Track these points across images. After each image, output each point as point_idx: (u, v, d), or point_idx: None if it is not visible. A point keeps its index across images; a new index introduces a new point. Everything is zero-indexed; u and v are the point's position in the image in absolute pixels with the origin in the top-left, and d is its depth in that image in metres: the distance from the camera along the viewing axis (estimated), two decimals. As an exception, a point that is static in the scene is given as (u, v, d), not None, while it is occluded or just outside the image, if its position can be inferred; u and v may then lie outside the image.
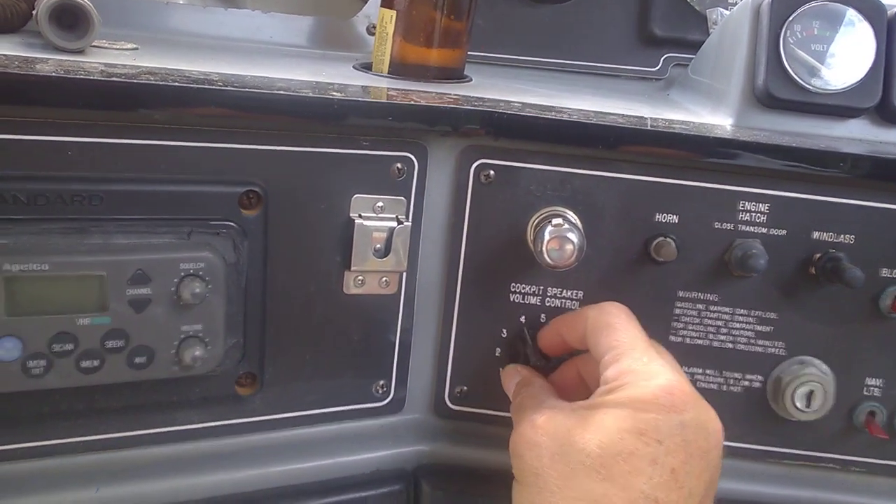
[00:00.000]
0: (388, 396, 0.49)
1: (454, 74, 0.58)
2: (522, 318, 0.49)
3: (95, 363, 0.38)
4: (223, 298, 0.41)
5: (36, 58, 0.41)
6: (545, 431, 0.39)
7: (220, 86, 0.40)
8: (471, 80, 0.58)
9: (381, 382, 0.48)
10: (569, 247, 0.44)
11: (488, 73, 0.63)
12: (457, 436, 0.50)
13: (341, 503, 0.45)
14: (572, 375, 0.48)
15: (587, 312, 0.44)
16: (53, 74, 0.37)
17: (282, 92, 0.41)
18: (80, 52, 0.46)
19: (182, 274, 0.39)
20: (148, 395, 0.41)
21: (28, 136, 0.37)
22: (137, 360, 0.39)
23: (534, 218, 0.48)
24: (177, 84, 0.39)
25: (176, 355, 0.40)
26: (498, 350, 0.49)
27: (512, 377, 0.48)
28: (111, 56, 0.47)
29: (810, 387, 0.48)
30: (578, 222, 0.46)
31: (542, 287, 0.49)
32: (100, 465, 0.42)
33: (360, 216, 0.45)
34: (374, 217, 0.46)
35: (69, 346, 0.37)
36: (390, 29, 0.56)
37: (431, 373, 0.50)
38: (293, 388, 0.46)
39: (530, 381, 0.46)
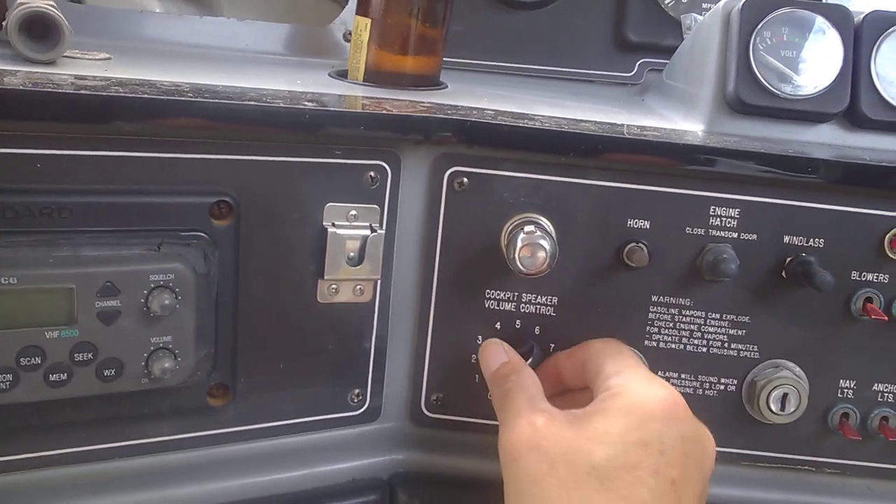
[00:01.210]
0: (363, 405, 0.49)
1: (429, 81, 0.58)
2: (497, 325, 0.49)
3: (63, 377, 0.38)
4: (193, 309, 0.41)
5: (5, 70, 0.41)
6: (546, 435, 0.38)
7: (190, 97, 0.40)
8: (446, 86, 0.59)
9: (357, 391, 0.48)
10: (541, 254, 0.44)
11: (464, 80, 0.64)
12: (433, 444, 0.50)
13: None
14: (551, 370, 0.47)
15: (590, 343, 0.45)
16: (21, 87, 0.37)
17: (252, 103, 0.41)
18: (51, 63, 0.46)
19: (152, 286, 0.39)
20: (118, 408, 0.41)
21: (-5, 149, 0.37)
22: (106, 372, 0.39)
23: (507, 224, 0.48)
24: (146, 96, 0.39)
25: (145, 367, 0.39)
26: (474, 357, 0.49)
27: (495, 355, 0.46)
28: (83, 67, 0.46)
29: (784, 389, 0.49)
30: (552, 229, 0.47)
31: (516, 293, 0.49)
32: (70, 479, 0.41)
33: (333, 224, 0.45)
34: (348, 225, 0.46)
35: (37, 360, 0.37)
36: (365, 36, 0.56)
37: (407, 380, 0.50)
38: (267, 399, 0.46)
39: (519, 368, 0.44)
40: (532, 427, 0.39)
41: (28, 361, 0.37)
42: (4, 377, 0.37)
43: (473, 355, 0.50)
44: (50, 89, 0.37)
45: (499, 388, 0.44)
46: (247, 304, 0.44)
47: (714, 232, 0.48)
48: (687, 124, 0.53)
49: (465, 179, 0.48)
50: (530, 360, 0.48)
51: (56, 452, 0.41)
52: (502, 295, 0.49)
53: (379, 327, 0.48)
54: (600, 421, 0.38)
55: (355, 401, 0.48)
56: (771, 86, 0.50)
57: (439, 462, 0.49)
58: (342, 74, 0.59)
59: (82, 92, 0.38)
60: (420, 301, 0.49)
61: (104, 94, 0.38)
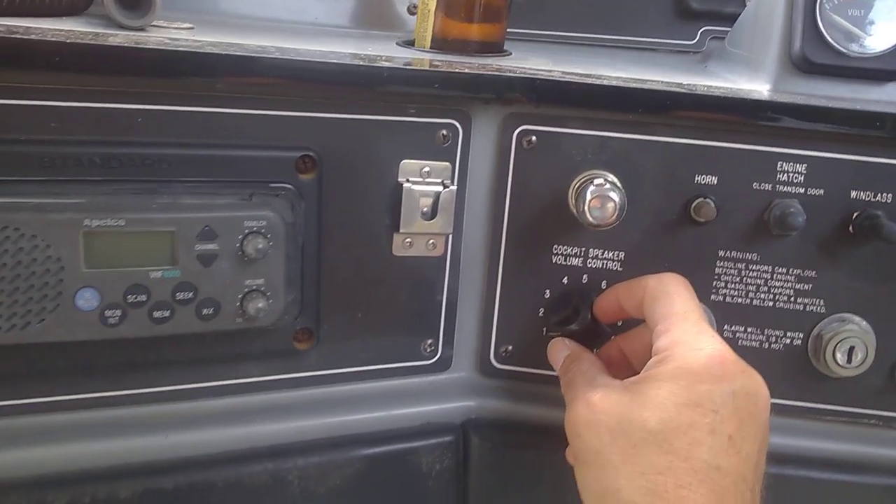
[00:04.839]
0: (435, 355, 0.51)
1: (494, 49, 0.60)
2: (565, 279, 0.51)
3: (166, 314, 0.41)
4: (283, 256, 0.43)
5: (105, 33, 0.44)
6: (602, 409, 0.40)
7: (277, 55, 0.42)
8: (510, 54, 0.60)
9: (429, 341, 0.50)
10: (610, 205, 0.45)
11: (526, 49, 0.65)
12: (502, 393, 0.52)
13: (394, 452, 0.47)
14: (616, 354, 0.49)
15: (647, 280, 0.45)
16: (126, 45, 0.40)
17: (335, 61, 0.43)
18: (141, 29, 0.49)
19: (246, 231, 0.41)
20: (213, 348, 0.44)
21: (102, 105, 0.40)
22: (205, 311, 0.41)
23: (575, 181, 0.49)
24: (238, 54, 0.41)
25: (240, 308, 0.42)
26: (541, 310, 0.51)
27: (559, 350, 0.49)
28: (171, 33, 0.49)
29: (851, 343, 0.49)
30: (619, 183, 0.48)
31: (583, 248, 0.50)
32: (168, 415, 0.44)
33: (407, 180, 0.47)
34: (421, 181, 0.48)
35: (142, 298, 0.40)
36: (432, 5, 0.58)
37: (477, 333, 0.52)
38: (347, 345, 0.48)
39: (580, 356, 0.47)
40: (588, 404, 0.41)
41: (134, 299, 0.40)
42: (114, 313, 0.40)
43: (541, 309, 0.51)
44: (151, 47, 0.40)
45: (564, 378, 0.46)
46: (329, 254, 0.46)
47: (781, 187, 0.49)
48: (752, 85, 0.54)
49: (534, 138, 0.49)
50: (578, 319, 0.49)
51: (155, 390, 0.44)
52: (569, 250, 0.51)
53: (450, 281, 0.50)
54: (650, 388, 0.40)
55: (428, 351, 0.50)
56: (838, 45, 0.51)
57: (509, 409, 0.51)
58: (409, 44, 0.61)
59: (181, 49, 0.40)
60: (489, 256, 0.51)
61: (200, 51, 0.41)
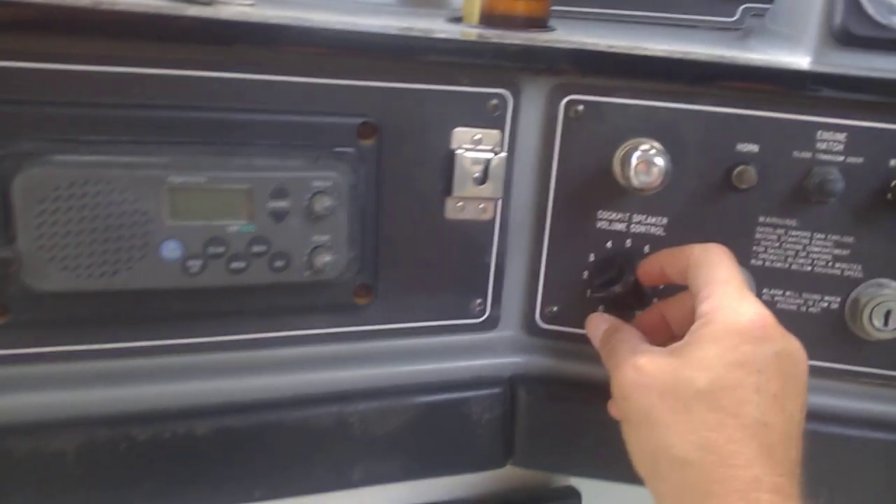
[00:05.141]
0: (484, 314, 0.53)
1: (539, 24, 0.62)
2: (609, 244, 0.53)
3: (242, 265, 0.44)
4: (346, 215, 0.46)
5: (177, 5, 0.47)
6: (649, 372, 0.42)
7: (341, 27, 0.45)
8: (555, 29, 0.62)
9: (479, 301, 0.53)
10: (655, 169, 0.47)
11: (569, 26, 0.67)
12: (547, 351, 0.54)
13: (446, 401, 0.50)
14: (657, 320, 0.51)
15: (692, 249, 0.47)
16: (204, 16, 0.43)
17: (395, 33, 0.46)
18: (208, 4, 0.52)
19: (314, 191, 0.44)
20: (281, 300, 0.47)
21: (182, 72, 0.43)
22: (277, 263, 0.45)
23: (620, 148, 0.51)
24: (305, 25, 0.44)
25: (308, 261, 0.45)
26: (586, 273, 0.53)
27: (598, 325, 0.50)
28: (237, 8, 0.52)
29: (888, 306, 0.51)
30: (663, 150, 0.50)
31: (627, 214, 0.53)
32: (240, 362, 0.48)
33: (460, 147, 0.50)
34: (473, 148, 0.50)
35: (221, 250, 0.43)
36: (480, -17, 0.60)
37: (524, 293, 0.54)
38: (401, 302, 0.51)
39: (619, 327, 0.49)
40: (635, 367, 0.43)
41: (214, 250, 0.43)
42: (195, 263, 0.43)
43: (586, 272, 0.53)
44: (225, 18, 0.43)
45: (605, 349, 0.47)
46: (386, 215, 0.49)
47: (820, 156, 0.51)
48: (793, 59, 0.55)
49: (581, 107, 0.51)
50: (621, 281, 0.51)
51: (229, 338, 0.47)
52: (614, 215, 0.53)
53: (499, 244, 0.53)
54: (697, 350, 0.42)
55: (477, 310, 0.53)
56: (879, 17, 0.52)
57: (554, 366, 0.54)
58: (457, 20, 0.63)
59: (253, 21, 0.43)
60: (536, 220, 0.53)
61: (270, 22, 0.44)
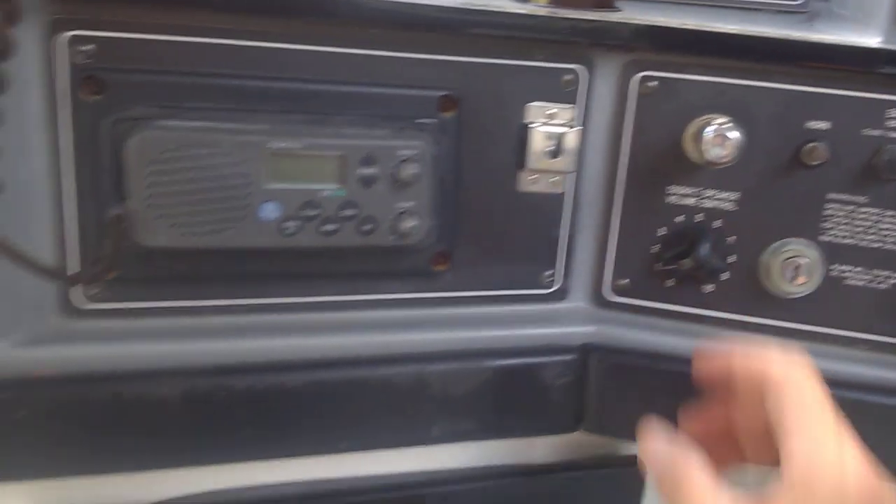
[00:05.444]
0: (555, 285, 0.55)
1: (607, 4, 0.64)
2: (679, 218, 0.54)
3: (333, 228, 0.46)
4: (428, 183, 0.48)
5: None
6: None
7: (424, 2, 0.47)
8: (621, 10, 0.64)
9: (549, 272, 0.55)
10: (730, 142, 0.49)
11: (634, 8, 0.68)
12: (618, 323, 0.55)
13: (519, 366, 0.52)
14: (721, 425, 0.44)
15: (770, 357, 0.40)
16: None
17: (477, 7, 0.48)
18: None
19: (400, 158, 0.47)
20: (366, 264, 0.50)
21: (280, 45, 0.46)
22: (364, 227, 0.47)
23: (692, 124, 0.52)
24: (391, 2, 0.46)
25: (393, 226, 0.48)
26: (655, 247, 0.55)
27: (654, 444, 0.42)
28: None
29: (958, 282, 0.51)
30: (735, 125, 0.51)
31: (698, 189, 0.54)
32: (328, 322, 0.50)
33: (534, 121, 0.52)
34: (547, 123, 0.52)
35: (314, 212, 0.46)
36: (550, -35, 0.62)
37: (594, 266, 0.56)
38: (475, 270, 0.53)
39: (681, 455, 0.40)
40: None
41: (308, 213, 0.46)
42: (291, 224, 0.46)
43: (656, 246, 0.55)
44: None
45: (664, 477, 0.40)
46: (464, 185, 0.51)
47: (891, 133, 0.51)
48: (862, 40, 0.56)
49: (654, 83, 0.53)
50: (691, 255, 0.52)
51: (317, 299, 0.50)
52: (685, 190, 0.54)
53: (570, 217, 0.54)
54: None
55: (547, 281, 0.55)
56: (951, -2, 0.53)
57: (625, 336, 0.55)
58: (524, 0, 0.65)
59: None
60: (607, 194, 0.55)
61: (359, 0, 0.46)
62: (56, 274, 0.44)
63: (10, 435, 0.44)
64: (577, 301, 0.56)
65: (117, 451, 0.46)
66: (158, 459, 0.47)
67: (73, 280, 0.45)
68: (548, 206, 0.54)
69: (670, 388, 0.50)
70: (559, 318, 0.55)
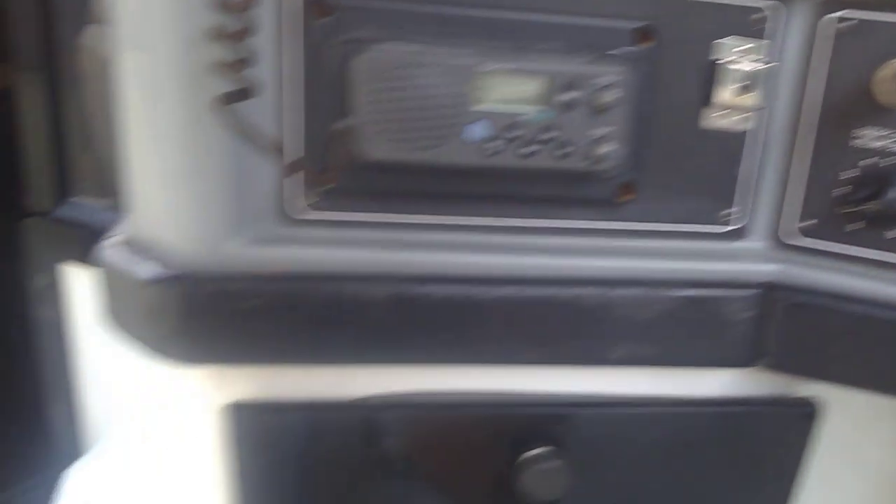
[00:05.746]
0: (736, 223, 0.56)
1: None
2: (867, 161, 0.53)
3: (532, 150, 0.49)
4: (623, 112, 0.50)
5: None
6: None
7: None
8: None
9: (729, 210, 0.55)
10: (932, 81, 0.48)
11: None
12: (801, 264, 0.55)
13: (701, 297, 0.53)
14: None
15: None
16: None
17: None
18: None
19: (598, 86, 0.49)
20: (560, 189, 0.52)
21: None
22: (562, 151, 0.49)
23: (886, 66, 0.51)
24: None
25: (588, 151, 0.50)
26: (841, 189, 0.54)
27: None
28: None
29: None
30: (937, 65, 0.50)
31: (888, 131, 0.53)
32: (515, 245, 0.53)
33: (725, 57, 0.52)
34: (736, 60, 0.52)
35: (517, 133, 0.48)
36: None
37: (776, 206, 0.56)
38: (658, 204, 0.54)
39: None
40: None
41: (510, 134, 0.48)
42: (494, 145, 0.48)
43: (842, 188, 0.54)
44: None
45: None
46: (653, 118, 0.52)
47: None
48: None
49: (849, 23, 0.52)
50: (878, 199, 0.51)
51: (507, 223, 0.53)
52: (874, 133, 0.53)
53: (754, 156, 0.55)
54: None
55: (728, 218, 0.55)
56: None
57: (807, 276, 0.54)
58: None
59: None
60: (793, 134, 0.54)
61: None
62: (296, 166, 0.48)
63: (239, 323, 0.49)
64: (759, 241, 0.56)
65: (329, 344, 0.50)
66: (365, 354, 0.51)
67: (309, 178, 0.49)
68: (732, 143, 0.54)
69: (855, 330, 0.49)
70: (740, 256, 0.55)
